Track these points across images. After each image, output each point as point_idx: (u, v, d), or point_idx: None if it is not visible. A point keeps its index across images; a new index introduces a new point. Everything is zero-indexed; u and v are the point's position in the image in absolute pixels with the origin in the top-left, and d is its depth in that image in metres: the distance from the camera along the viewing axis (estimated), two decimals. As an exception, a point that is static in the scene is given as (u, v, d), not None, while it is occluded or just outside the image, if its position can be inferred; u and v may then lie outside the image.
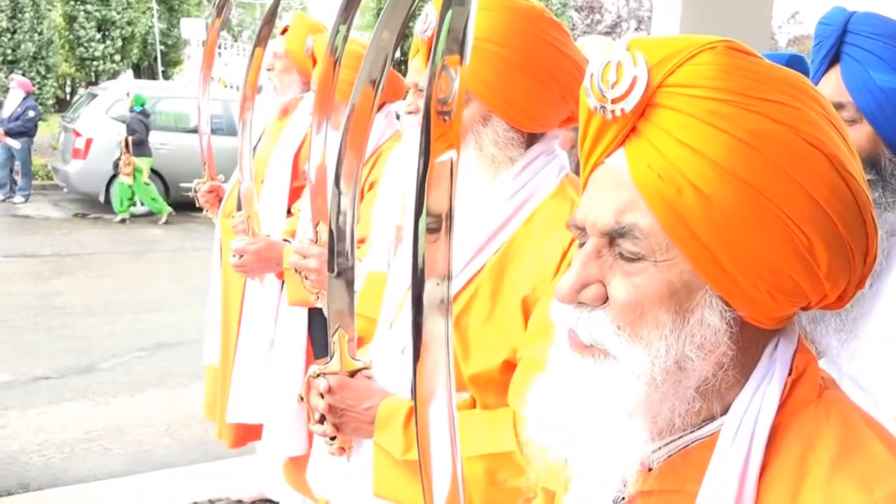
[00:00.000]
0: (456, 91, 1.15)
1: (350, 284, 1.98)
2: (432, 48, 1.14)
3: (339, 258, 1.95)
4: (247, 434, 4.45)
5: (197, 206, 4.68)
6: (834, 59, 1.93)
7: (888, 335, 1.82)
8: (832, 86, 1.90)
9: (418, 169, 1.14)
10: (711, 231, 0.99)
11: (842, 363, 1.85)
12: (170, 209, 15.87)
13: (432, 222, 1.16)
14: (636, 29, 36.95)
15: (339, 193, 1.91)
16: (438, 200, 1.17)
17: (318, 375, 2.01)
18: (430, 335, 1.19)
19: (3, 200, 16.80)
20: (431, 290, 1.18)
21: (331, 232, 1.93)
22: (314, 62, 3.78)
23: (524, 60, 1.91)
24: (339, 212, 1.93)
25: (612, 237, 1.05)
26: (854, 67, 1.88)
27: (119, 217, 15.57)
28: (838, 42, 1.91)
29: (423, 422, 1.22)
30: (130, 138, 15.50)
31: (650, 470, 1.14)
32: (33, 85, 24.44)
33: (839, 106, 1.84)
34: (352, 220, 1.94)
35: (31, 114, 17.06)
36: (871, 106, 1.84)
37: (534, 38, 1.92)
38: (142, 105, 15.76)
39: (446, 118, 1.15)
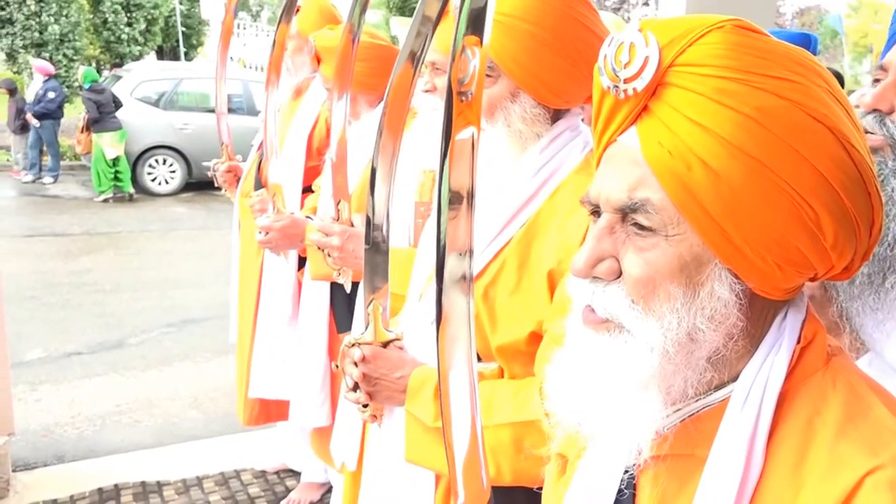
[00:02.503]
0: (473, 71, 1.15)
1: (385, 257, 2.01)
2: (454, 29, 1.14)
3: (374, 231, 1.97)
4: (263, 413, 4.49)
5: (216, 185, 4.70)
6: None
7: None
8: None
9: (441, 147, 1.15)
10: (720, 205, 1.00)
11: (874, 343, 1.79)
12: (132, 190, 15.71)
13: (453, 198, 1.17)
14: (643, 4, 36.66)
15: (376, 170, 1.92)
16: (459, 177, 1.18)
17: (352, 345, 2.04)
18: (450, 308, 1.21)
19: (33, 181, 16.88)
20: (453, 265, 1.19)
21: (369, 205, 1.94)
22: (318, 61, 3.80)
23: (554, 38, 1.91)
24: (374, 188, 1.94)
25: (625, 212, 1.06)
26: None
27: (101, 197, 15.40)
28: None
29: (445, 391, 1.24)
30: (85, 117, 15.48)
31: (661, 435, 1.15)
32: (60, 68, 24.56)
33: None
34: (387, 195, 1.96)
35: (52, 95, 17.02)
36: None
37: (564, 16, 1.92)
38: (91, 81, 15.55)
39: (464, 98, 1.16)
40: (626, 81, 1.04)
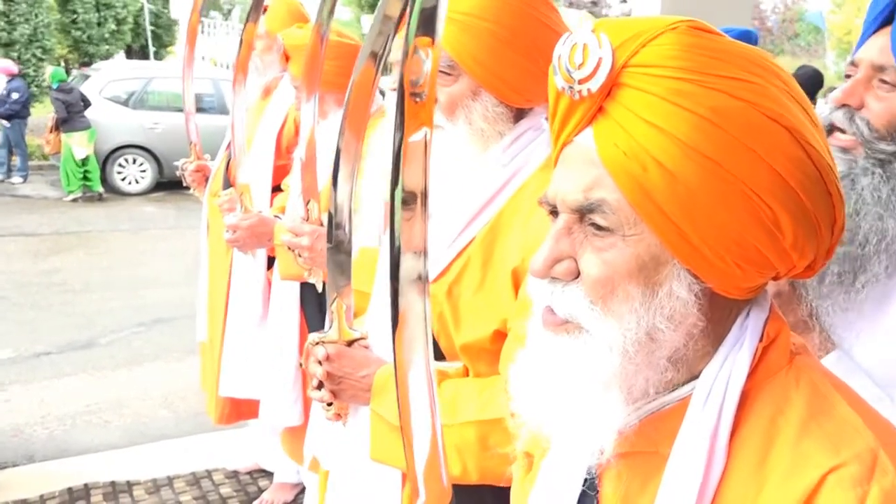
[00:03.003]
0: (426, 72, 1.15)
1: (348, 256, 1.99)
2: (405, 29, 1.14)
3: (337, 230, 1.96)
4: (234, 411, 4.47)
5: (183, 185, 4.67)
6: (887, 19, 1.81)
7: None
8: (877, 47, 1.80)
9: (393, 147, 1.15)
10: (677, 206, 1.00)
11: (843, 342, 1.81)
12: (101, 190, 15.57)
13: (408, 198, 1.17)
14: (621, 1, 36.58)
15: (338, 168, 1.91)
16: (413, 177, 1.18)
17: (316, 344, 2.03)
18: (407, 309, 1.20)
19: (2, 181, 16.70)
20: (408, 265, 1.19)
21: (332, 204, 1.94)
22: (287, 59, 3.79)
23: (514, 37, 1.90)
24: (337, 186, 1.93)
25: (582, 213, 1.06)
26: None
27: (71, 196, 15.28)
28: (894, 2, 1.79)
29: (403, 392, 1.23)
30: (54, 117, 15.35)
31: (623, 433, 1.14)
32: (29, 67, 24.29)
33: (880, 69, 1.78)
34: (349, 194, 1.95)
35: (15, 95, 16.78)
36: None
37: (524, 14, 1.91)
38: (59, 81, 15.38)
39: (418, 99, 1.15)
40: (580, 82, 1.04)
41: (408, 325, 1.20)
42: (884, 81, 1.78)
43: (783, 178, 1.00)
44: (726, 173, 0.99)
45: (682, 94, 0.99)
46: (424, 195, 1.18)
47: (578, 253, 1.08)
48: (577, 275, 1.08)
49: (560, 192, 1.10)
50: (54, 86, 15.32)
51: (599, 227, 1.05)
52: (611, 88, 1.04)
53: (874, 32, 1.85)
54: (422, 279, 1.20)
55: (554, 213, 1.13)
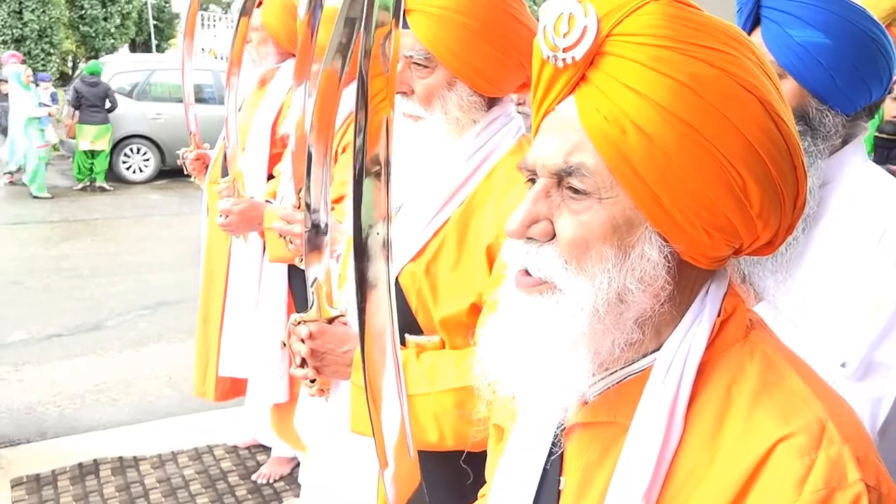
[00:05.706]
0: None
1: (325, 238, 2.01)
2: (364, 17, 1.15)
3: (314, 213, 1.98)
4: (234, 388, 4.49)
5: (185, 173, 4.67)
6: (755, 23, 1.95)
7: (819, 279, 1.86)
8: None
9: (357, 122, 1.18)
10: (652, 169, 1.00)
11: (777, 302, 1.89)
12: (103, 183, 15.42)
13: (373, 168, 1.19)
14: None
15: (311, 153, 1.93)
16: (378, 149, 1.20)
17: (298, 323, 2.05)
18: (374, 276, 1.23)
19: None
20: (374, 234, 1.21)
21: (307, 189, 1.95)
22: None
23: (487, 29, 1.93)
24: (311, 171, 1.95)
25: (561, 176, 1.06)
26: (773, 28, 1.89)
27: (79, 185, 15.23)
28: (756, 7, 1.93)
29: (370, 360, 1.30)
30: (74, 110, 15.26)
31: (587, 403, 1.15)
32: (38, 62, 24.26)
33: None
34: (326, 177, 1.96)
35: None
36: (793, 61, 1.85)
37: (495, 8, 1.95)
38: (91, 73, 15.25)
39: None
40: (564, 50, 1.04)
41: (377, 289, 1.20)
42: None
43: (754, 146, 1.01)
44: (701, 138, 0.99)
45: (662, 61, 1.00)
46: (387, 165, 1.20)
47: (555, 215, 1.07)
48: (553, 236, 1.08)
49: (541, 157, 1.09)
50: (86, 74, 15.19)
51: (577, 191, 1.05)
52: (594, 57, 1.04)
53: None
54: (386, 246, 1.21)
55: (532, 179, 1.13)
